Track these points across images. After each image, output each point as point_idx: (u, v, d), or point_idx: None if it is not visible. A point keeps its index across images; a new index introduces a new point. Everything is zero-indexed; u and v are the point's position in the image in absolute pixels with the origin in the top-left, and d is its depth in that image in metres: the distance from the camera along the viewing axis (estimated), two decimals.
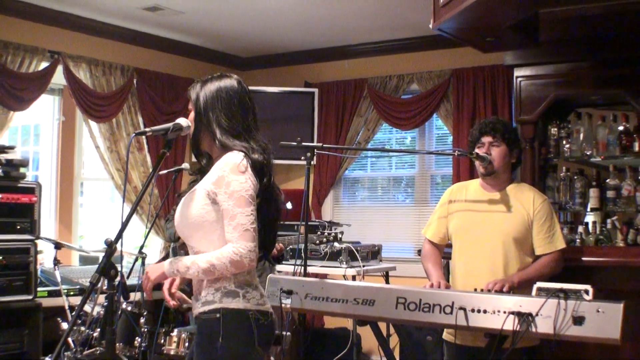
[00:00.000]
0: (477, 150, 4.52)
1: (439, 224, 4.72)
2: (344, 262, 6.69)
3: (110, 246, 3.07)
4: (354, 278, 6.60)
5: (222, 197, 3.20)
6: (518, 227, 4.44)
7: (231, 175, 3.21)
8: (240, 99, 3.48)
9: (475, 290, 4.12)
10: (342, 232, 6.87)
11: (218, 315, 3.23)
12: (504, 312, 3.67)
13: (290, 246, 6.08)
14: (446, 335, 4.56)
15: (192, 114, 3.44)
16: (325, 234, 6.54)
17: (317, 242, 6.40)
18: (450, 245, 4.73)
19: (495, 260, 4.41)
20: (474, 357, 4.30)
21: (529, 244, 4.45)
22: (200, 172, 3.49)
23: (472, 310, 3.76)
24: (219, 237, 3.25)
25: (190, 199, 3.30)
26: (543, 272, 4.35)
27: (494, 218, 4.49)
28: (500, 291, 4.09)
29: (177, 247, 6.43)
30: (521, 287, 4.19)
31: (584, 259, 5.03)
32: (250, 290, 3.31)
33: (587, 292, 3.61)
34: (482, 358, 4.06)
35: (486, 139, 4.50)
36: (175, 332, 5.50)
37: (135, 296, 5.68)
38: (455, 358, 4.52)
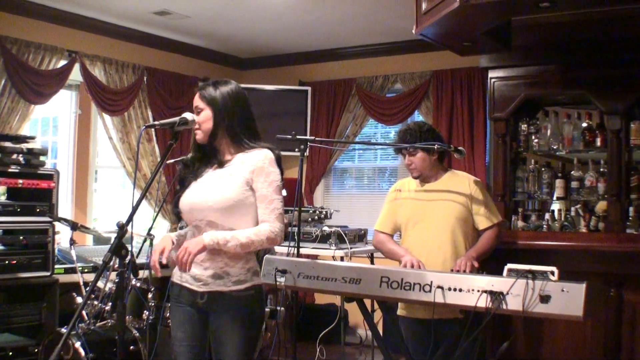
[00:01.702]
0: (406, 162, 4.64)
1: (388, 213, 4.80)
2: (333, 245, 6.69)
3: (122, 228, 3.08)
4: (342, 259, 6.59)
5: (262, 184, 3.45)
6: (459, 209, 4.54)
7: (270, 167, 3.47)
8: (249, 105, 3.62)
9: (452, 270, 4.13)
10: (332, 211, 6.92)
11: (253, 292, 3.49)
12: (478, 291, 3.66)
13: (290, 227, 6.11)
14: (400, 311, 4.61)
15: (205, 113, 3.50)
16: (317, 212, 6.60)
17: (310, 219, 6.48)
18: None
19: (444, 239, 4.50)
20: (425, 327, 4.32)
21: (469, 222, 4.56)
22: (196, 161, 3.63)
23: (449, 289, 3.76)
24: (252, 217, 3.47)
25: (224, 183, 3.44)
26: (491, 244, 4.54)
27: (436, 204, 4.58)
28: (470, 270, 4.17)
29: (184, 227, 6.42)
30: (478, 259, 4.37)
31: (550, 243, 5.06)
32: (259, 268, 3.62)
33: (553, 273, 3.61)
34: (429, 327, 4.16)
35: (404, 153, 4.61)
36: None
37: (143, 273, 5.67)
38: (410, 330, 4.55)
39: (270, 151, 3.52)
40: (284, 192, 7.38)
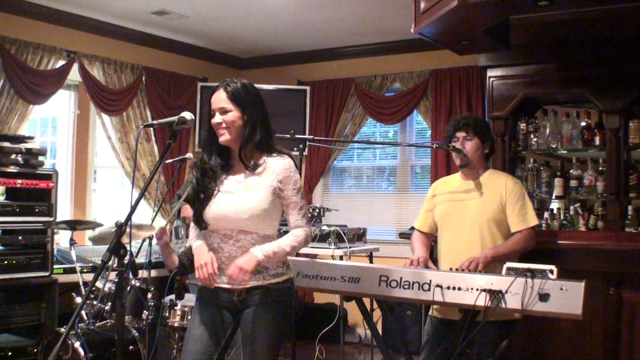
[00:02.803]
0: (452, 144, 4.54)
1: (426, 216, 4.74)
2: (332, 244, 6.67)
3: (121, 228, 3.06)
4: (341, 258, 6.58)
5: (290, 192, 3.52)
6: (493, 209, 4.43)
7: (295, 175, 3.55)
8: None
9: (451, 269, 4.12)
10: (325, 209, 6.92)
11: (289, 284, 3.59)
12: (477, 290, 3.67)
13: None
14: (432, 312, 4.53)
15: (233, 114, 3.46)
16: (310, 210, 6.61)
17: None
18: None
19: (474, 240, 4.41)
20: (446, 327, 4.32)
21: (505, 224, 4.44)
22: (218, 168, 3.58)
23: (448, 288, 3.76)
24: (276, 222, 3.58)
25: (254, 193, 3.46)
26: (514, 248, 4.36)
27: (471, 203, 4.50)
28: (475, 270, 4.11)
29: (179, 225, 6.42)
30: (496, 261, 4.19)
31: (549, 241, 5.05)
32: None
33: (552, 271, 3.61)
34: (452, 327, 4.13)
35: (460, 134, 4.52)
36: (179, 306, 5.49)
37: (142, 273, 5.67)
38: (437, 330, 4.52)
39: (290, 158, 3.58)
40: None
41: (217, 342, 3.54)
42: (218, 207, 3.48)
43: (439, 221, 4.65)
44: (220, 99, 3.48)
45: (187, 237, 6.55)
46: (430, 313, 4.58)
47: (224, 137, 3.47)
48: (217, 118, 3.46)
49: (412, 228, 4.83)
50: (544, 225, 5.41)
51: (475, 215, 4.45)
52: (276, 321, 3.49)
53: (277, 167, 3.50)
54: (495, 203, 4.44)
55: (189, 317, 5.41)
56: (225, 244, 3.50)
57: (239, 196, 3.47)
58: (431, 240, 4.79)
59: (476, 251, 4.35)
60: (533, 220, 4.45)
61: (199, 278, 3.47)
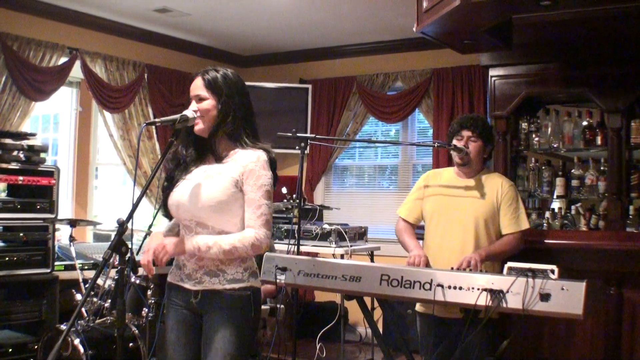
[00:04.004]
0: (455, 142, 4.53)
1: (415, 205, 4.71)
2: (334, 242, 6.68)
3: (122, 225, 3.06)
4: (342, 256, 6.59)
5: (250, 187, 3.28)
6: (487, 210, 4.45)
7: (262, 170, 3.30)
8: (250, 99, 3.47)
9: (452, 268, 4.11)
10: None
11: (249, 292, 3.32)
12: (478, 289, 3.66)
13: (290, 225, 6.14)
14: (419, 307, 4.56)
15: (208, 102, 3.32)
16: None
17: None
18: (421, 227, 4.74)
19: (468, 238, 4.42)
20: (446, 327, 4.33)
21: (496, 225, 4.47)
22: (191, 158, 3.43)
23: (449, 287, 3.75)
24: (240, 219, 3.31)
25: (212, 183, 3.29)
26: (505, 249, 4.40)
27: (466, 202, 4.50)
28: (475, 269, 4.11)
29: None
30: (487, 260, 4.26)
31: (550, 241, 5.04)
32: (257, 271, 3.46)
33: (553, 271, 3.61)
34: (451, 328, 4.20)
35: (465, 133, 4.51)
36: None
37: (143, 271, 5.66)
38: (428, 327, 4.53)
39: (265, 153, 3.35)
40: (284, 190, 7.41)
41: (195, 346, 3.37)
42: (176, 194, 3.36)
43: (428, 214, 4.63)
44: (196, 86, 3.36)
45: None
46: (416, 308, 4.58)
47: (198, 126, 3.33)
48: (193, 106, 3.34)
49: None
50: (545, 225, 5.40)
51: (471, 213, 4.46)
52: (232, 331, 3.27)
53: (244, 159, 3.30)
54: (490, 203, 4.47)
55: None
56: (187, 238, 3.32)
57: (196, 184, 3.31)
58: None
59: (469, 249, 4.37)
60: (525, 224, 4.50)
61: (141, 264, 3.32)
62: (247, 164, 3.29)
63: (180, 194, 3.35)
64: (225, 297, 3.29)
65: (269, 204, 3.32)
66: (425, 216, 4.67)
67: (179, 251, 3.25)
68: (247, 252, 3.27)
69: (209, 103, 3.32)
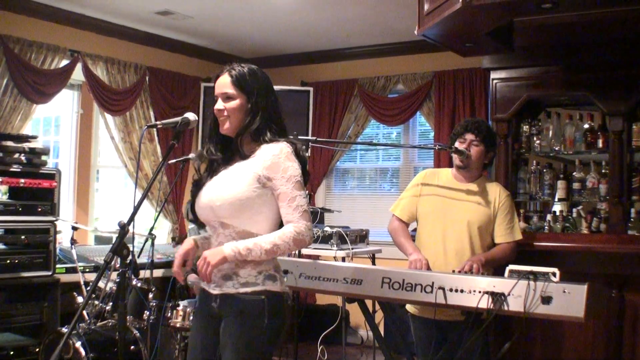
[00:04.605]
0: (457, 144, 4.54)
1: (410, 202, 4.68)
2: (335, 245, 6.68)
3: (123, 228, 3.04)
4: (343, 259, 6.59)
5: (279, 181, 3.14)
6: (482, 217, 4.47)
7: (287, 162, 3.15)
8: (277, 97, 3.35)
9: (454, 271, 4.12)
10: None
11: (263, 297, 3.15)
12: (479, 292, 3.66)
13: None
14: (409, 307, 4.53)
15: (236, 102, 3.20)
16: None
17: None
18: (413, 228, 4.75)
19: (463, 243, 4.43)
20: (438, 329, 4.33)
21: (489, 232, 4.49)
22: (219, 160, 3.32)
23: (450, 290, 3.76)
24: (264, 218, 3.19)
25: (233, 180, 3.18)
26: (501, 257, 4.43)
27: (462, 206, 4.51)
28: (477, 273, 4.11)
29: (191, 228, 6.44)
30: (487, 265, 4.27)
31: (551, 244, 5.05)
32: (281, 274, 3.28)
33: (554, 274, 3.61)
34: (448, 330, 4.21)
35: (469, 136, 4.52)
36: (181, 306, 5.49)
37: (144, 273, 5.67)
38: (420, 329, 4.52)
39: (288, 144, 3.21)
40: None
41: (212, 352, 3.27)
42: (202, 195, 3.27)
43: (423, 213, 4.62)
44: (223, 83, 3.23)
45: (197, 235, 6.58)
46: (407, 307, 4.56)
47: (225, 126, 3.23)
48: (219, 104, 3.23)
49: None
50: (546, 227, 5.40)
51: (467, 218, 4.46)
52: (243, 340, 3.13)
53: (266, 154, 3.16)
54: (486, 211, 4.48)
55: (191, 317, 5.42)
56: (213, 239, 3.29)
57: (218, 183, 3.22)
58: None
59: (465, 253, 4.38)
60: (518, 235, 4.55)
61: (173, 271, 3.27)
62: (271, 157, 3.15)
63: (203, 194, 3.27)
64: (240, 302, 3.16)
65: (302, 194, 3.17)
66: (419, 215, 4.65)
67: (221, 259, 3.08)
68: (289, 248, 3.14)
69: (237, 102, 3.21)
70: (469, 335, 3.81)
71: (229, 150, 3.31)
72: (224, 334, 3.19)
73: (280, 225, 3.22)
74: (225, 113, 3.22)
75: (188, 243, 3.32)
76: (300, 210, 3.14)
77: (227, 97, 3.22)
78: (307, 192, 3.23)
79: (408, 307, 4.55)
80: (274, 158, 3.15)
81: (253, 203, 3.15)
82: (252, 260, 3.14)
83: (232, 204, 3.13)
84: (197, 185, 3.34)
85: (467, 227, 4.44)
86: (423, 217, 4.63)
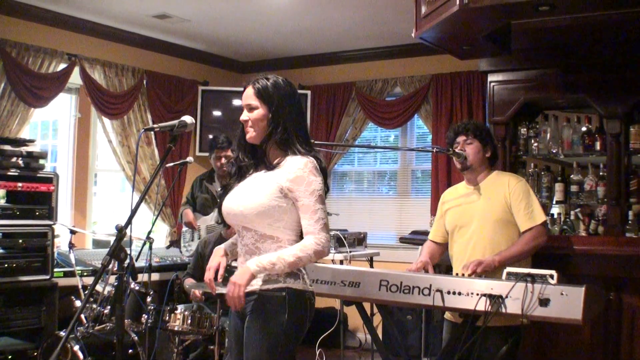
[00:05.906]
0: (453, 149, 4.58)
1: (438, 224, 4.81)
2: (333, 248, 6.68)
3: (121, 231, 3.06)
4: (341, 262, 6.59)
5: (302, 194, 3.28)
6: (498, 210, 4.46)
7: (311, 176, 3.29)
8: (302, 107, 3.54)
9: (457, 274, 4.12)
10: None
11: (284, 293, 3.28)
12: (477, 294, 3.67)
13: None
14: (447, 315, 4.55)
15: (259, 112, 3.36)
16: None
17: None
18: None
19: (484, 243, 4.43)
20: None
21: (512, 223, 4.45)
22: (248, 165, 3.48)
23: (448, 292, 3.76)
24: (284, 225, 3.32)
25: (257, 188, 3.33)
26: (524, 249, 4.36)
27: (476, 206, 4.54)
28: (474, 273, 4.10)
29: (185, 230, 6.43)
30: (506, 265, 4.10)
31: (549, 246, 5.05)
32: (306, 273, 3.41)
33: (552, 276, 3.62)
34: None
35: (460, 138, 4.58)
36: (179, 310, 5.49)
37: (142, 277, 5.67)
38: (450, 334, 4.53)
39: (314, 159, 3.36)
40: None
41: (242, 352, 3.36)
42: (227, 200, 3.44)
43: (449, 228, 4.68)
44: (248, 95, 3.40)
45: (192, 240, 6.58)
46: (445, 316, 4.59)
47: (249, 134, 3.39)
48: (244, 115, 3.40)
49: (414, 232, 4.85)
50: None
51: (481, 218, 4.48)
52: (264, 336, 3.25)
53: (291, 165, 3.31)
54: (499, 204, 4.47)
55: (189, 321, 5.43)
56: (238, 242, 3.45)
57: (244, 190, 3.38)
58: (444, 249, 4.80)
59: (486, 255, 4.35)
60: (540, 217, 4.44)
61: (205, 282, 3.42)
62: (295, 170, 3.30)
63: (229, 199, 3.43)
64: (260, 298, 3.29)
65: (324, 208, 3.33)
66: (448, 231, 4.71)
67: (249, 278, 3.20)
68: (310, 259, 3.28)
69: (260, 112, 3.36)
70: (467, 338, 3.81)
71: (256, 157, 3.48)
72: (247, 330, 3.32)
73: (300, 232, 3.36)
74: (250, 123, 3.39)
75: (218, 254, 3.49)
76: (321, 223, 3.30)
77: (251, 108, 3.38)
78: (325, 206, 3.37)
79: (446, 314, 4.55)
80: (299, 172, 3.30)
81: (274, 211, 3.30)
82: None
83: (254, 211, 3.29)
84: (226, 190, 3.50)
85: (486, 225, 4.46)
86: (450, 232, 4.70)
